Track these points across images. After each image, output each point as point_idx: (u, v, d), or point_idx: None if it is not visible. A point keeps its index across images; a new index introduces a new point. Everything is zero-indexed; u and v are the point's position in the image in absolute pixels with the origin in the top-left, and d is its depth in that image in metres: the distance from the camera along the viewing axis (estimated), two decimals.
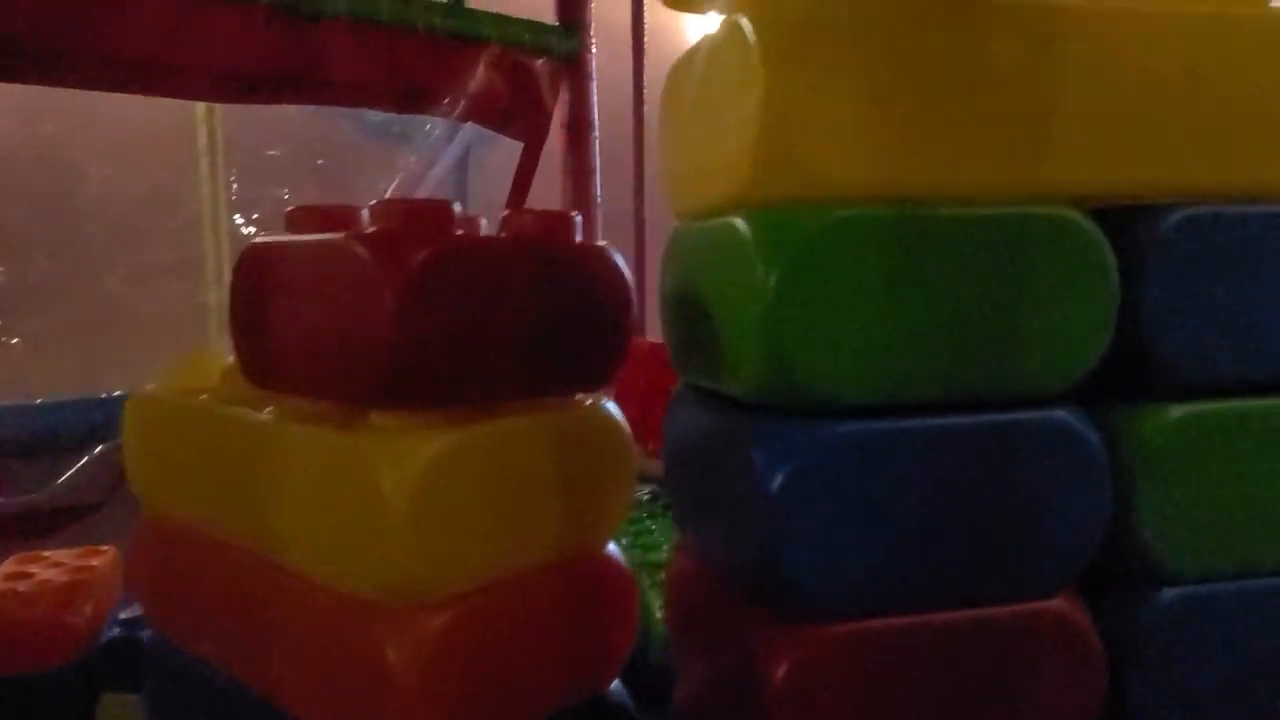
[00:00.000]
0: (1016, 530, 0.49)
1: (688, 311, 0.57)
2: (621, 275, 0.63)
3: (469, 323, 0.53)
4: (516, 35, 2.00)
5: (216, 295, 2.47)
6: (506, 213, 0.62)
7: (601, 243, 0.63)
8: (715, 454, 0.55)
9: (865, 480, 0.47)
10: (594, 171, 2.15)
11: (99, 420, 1.66)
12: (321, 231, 0.57)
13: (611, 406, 0.64)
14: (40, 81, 1.50)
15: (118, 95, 1.63)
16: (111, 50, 1.54)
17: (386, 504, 0.51)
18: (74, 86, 1.57)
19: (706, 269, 0.54)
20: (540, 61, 2.04)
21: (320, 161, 2.27)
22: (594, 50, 2.08)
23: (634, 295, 0.63)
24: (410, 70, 1.90)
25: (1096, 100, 0.48)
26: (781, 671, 0.48)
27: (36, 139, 2.19)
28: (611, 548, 0.65)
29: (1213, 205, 0.50)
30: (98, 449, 1.57)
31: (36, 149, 2.21)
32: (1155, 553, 0.51)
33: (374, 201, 0.56)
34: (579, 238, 0.62)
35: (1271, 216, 0.50)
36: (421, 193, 1.99)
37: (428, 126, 2.01)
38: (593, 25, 2.02)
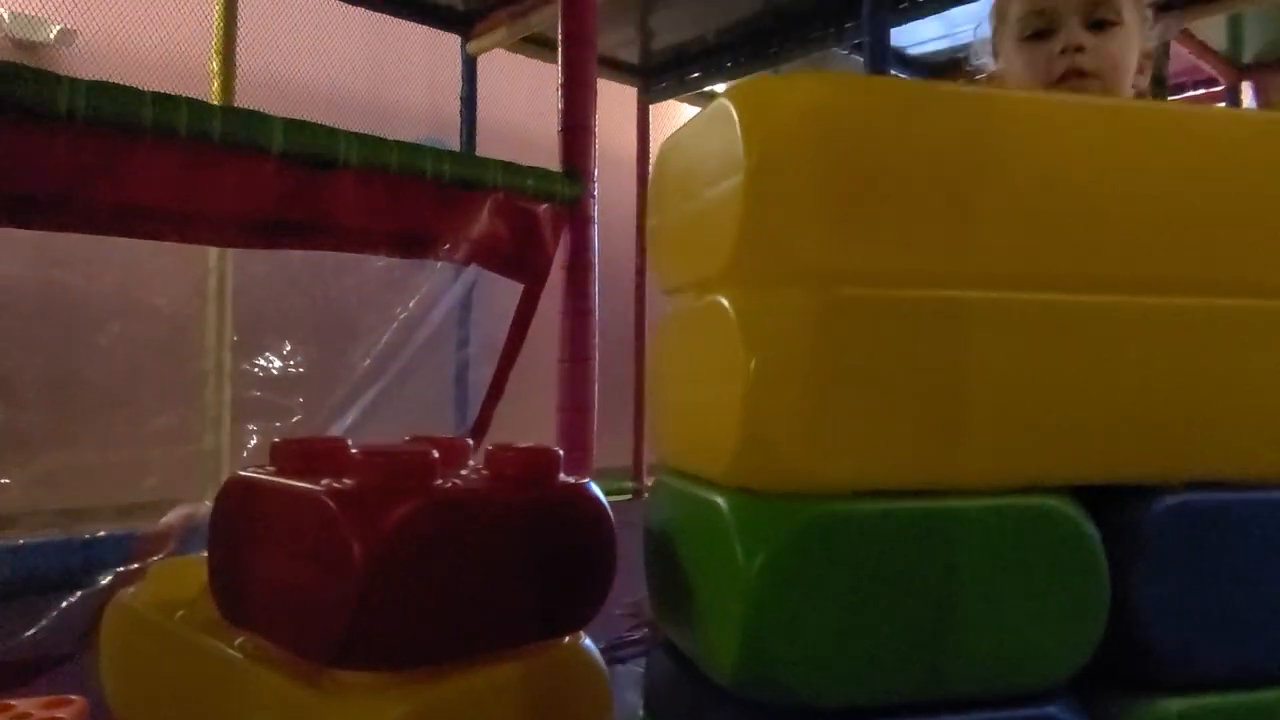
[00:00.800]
0: None
1: (668, 570, 0.54)
2: (604, 513, 0.62)
3: (442, 582, 0.52)
4: (521, 182, 2.05)
5: (213, 440, 2.46)
6: (491, 447, 0.62)
7: (584, 480, 0.63)
8: None
9: None
10: (593, 312, 2.18)
11: (77, 563, 1.64)
12: (305, 468, 0.57)
13: (589, 644, 0.63)
14: (56, 228, 1.53)
15: (126, 242, 1.66)
16: (126, 199, 1.58)
17: None
18: (89, 233, 1.61)
19: (688, 535, 0.52)
20: (544, 207, 2.09)
21: (321, 306, 2.30)
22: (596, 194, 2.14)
23: (615, 532, 0.63)
24: (416, 216, 1.95)
25: (1084, 392, 0.47)
26: None
27: (45, 286, 2.23)
28: None
29: (1203, 494, 0.48)
30: (73, 596, 1.54)
31: (44, 296, 2.25)
32: None
33: (358, 447, 0.56)
34: (562, 475, 0.62)
35: (1259, 504, 0.48)
36: (423, 333, 2.00)
37: (429, 270, 2.04)
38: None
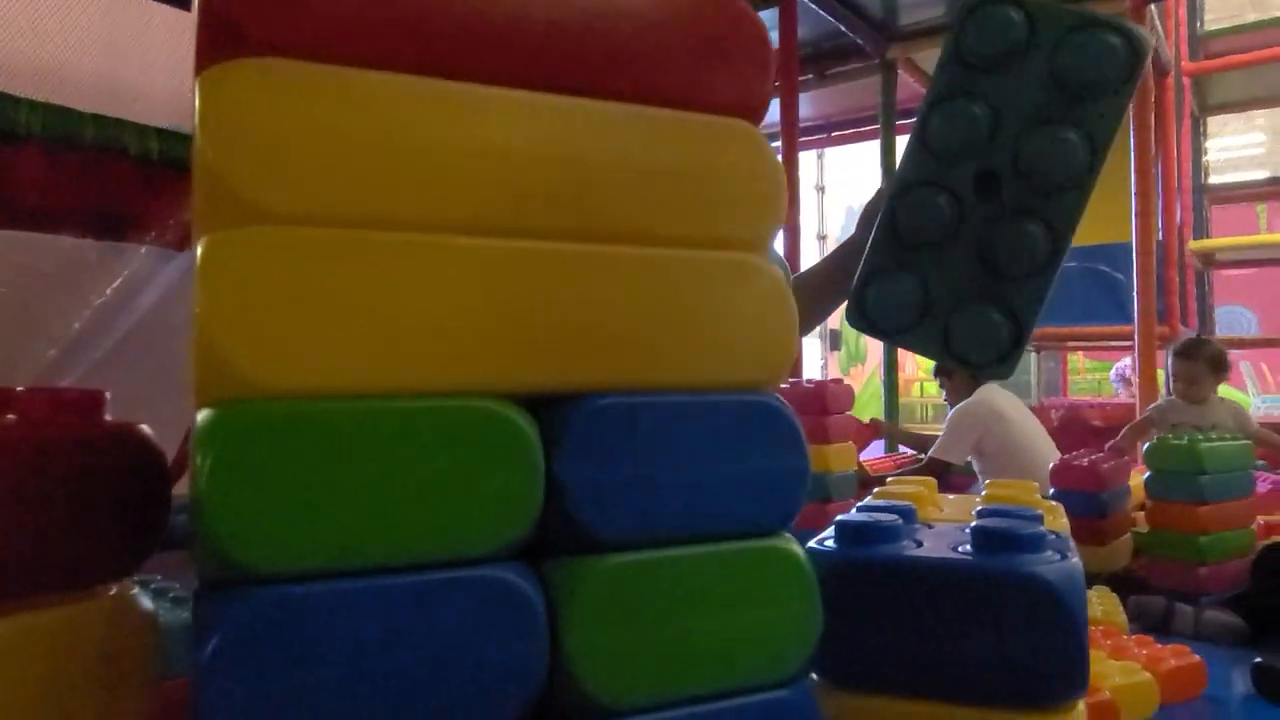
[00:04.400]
0: (454, 683, 0.51)
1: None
2: (156, 454, 0.59)
3: None
4: None
5: None
6: (22, 389, 0.58)
7: (134, 422, 0.60)
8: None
9: (296, 640, 0.48)
10: None
11: None
12: None
13: (138, 594, 0.60)
14: None
15: None
16: None
17: None
18: None
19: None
20: None
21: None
22: None
23: (168, 476, 0.60)
24: (116, 197, 1.81)
25: (509, 319, 0.56)
26: None
27: None
28: None
29: (620, 396, 0.58)
30: None
31: None
32: (590, 692, 0.55)
33: None
34: (108, 416, 0.59)
35: (667, 405, 0.59)
36: (128, 321, 1.84)
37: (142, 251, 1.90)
38: None
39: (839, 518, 0.73)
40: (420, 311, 0.53)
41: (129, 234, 1.85)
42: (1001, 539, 0.67)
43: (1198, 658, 1.55)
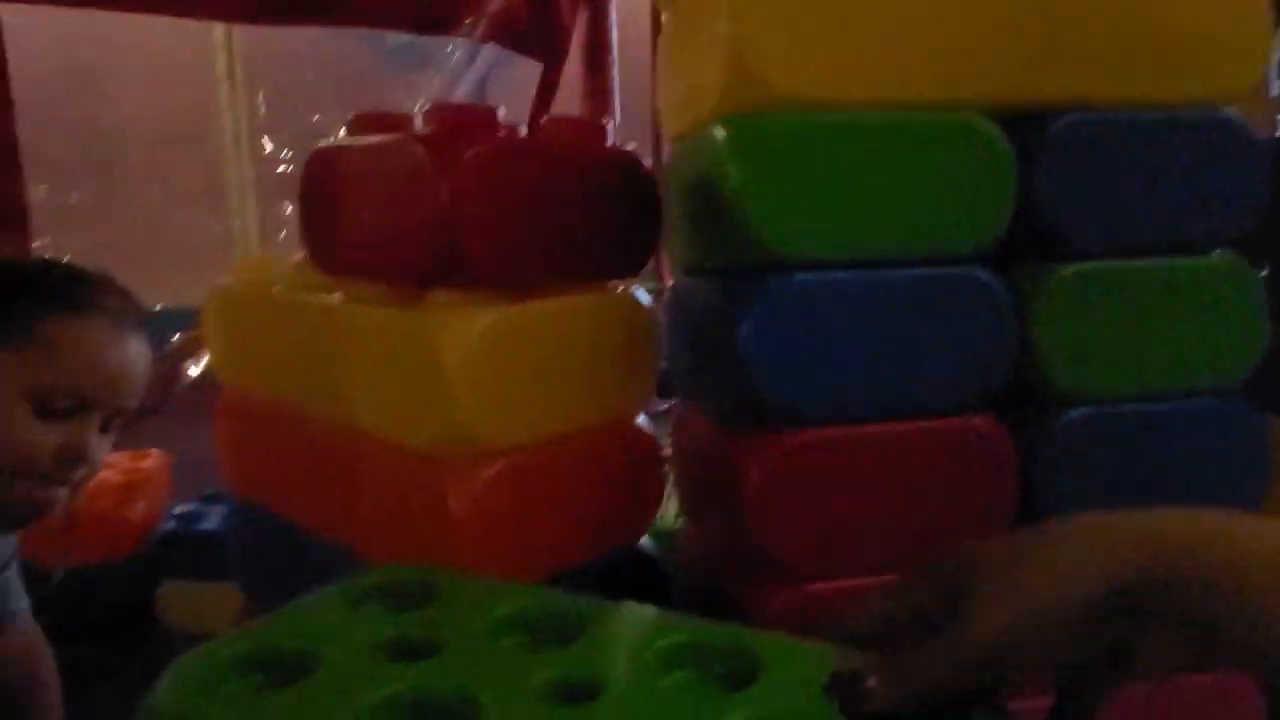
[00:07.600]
0: (942, 361, 0.64)
1: (682, 209, 0.70)
2: (650, 178, 0.69)
3: (511, 214, 0.60)
4: None
5: (241, 221, 2.54)
6: (546, 118, 0.69)
7: (630, 146, 0.70)
8: (709, 320, 0.69)
9: (818, 318, 0.62)
10: (613, 93, 2.17)
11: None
12: (380, 135, 0.64)
13: (641, 293, 0.72)
14: (60, 2, 1.51)
15: (144, 21, 1.65)
16: None
17: (444, 368, 0.59)
18: (90, 7, 1.58)
19: (694, 172, 0.67)
20: None
21: (343, 86, 2.29)
22: None
23: (661, 197, 0.70)
24: None
25: (1005, 26, 0.63)
26: (760, 470, 0.62)
27: (69, 65, 2.23)
28: (641, 419, 0.73)
29: (1092, 114, 0.65)
30: None
31: (69, 74, 2.26)
32: (1053, 381, 0.66)
33: (425, 107, 0.63)
34: (610, 143, 0.69)
35: (1135, 123, 0.65)
36: None
37: (448, 49, 2.03)
38: None
39: None
40: (913, 26, 0.62)
41: (445, 29, 1.97)
42: None
43: None
